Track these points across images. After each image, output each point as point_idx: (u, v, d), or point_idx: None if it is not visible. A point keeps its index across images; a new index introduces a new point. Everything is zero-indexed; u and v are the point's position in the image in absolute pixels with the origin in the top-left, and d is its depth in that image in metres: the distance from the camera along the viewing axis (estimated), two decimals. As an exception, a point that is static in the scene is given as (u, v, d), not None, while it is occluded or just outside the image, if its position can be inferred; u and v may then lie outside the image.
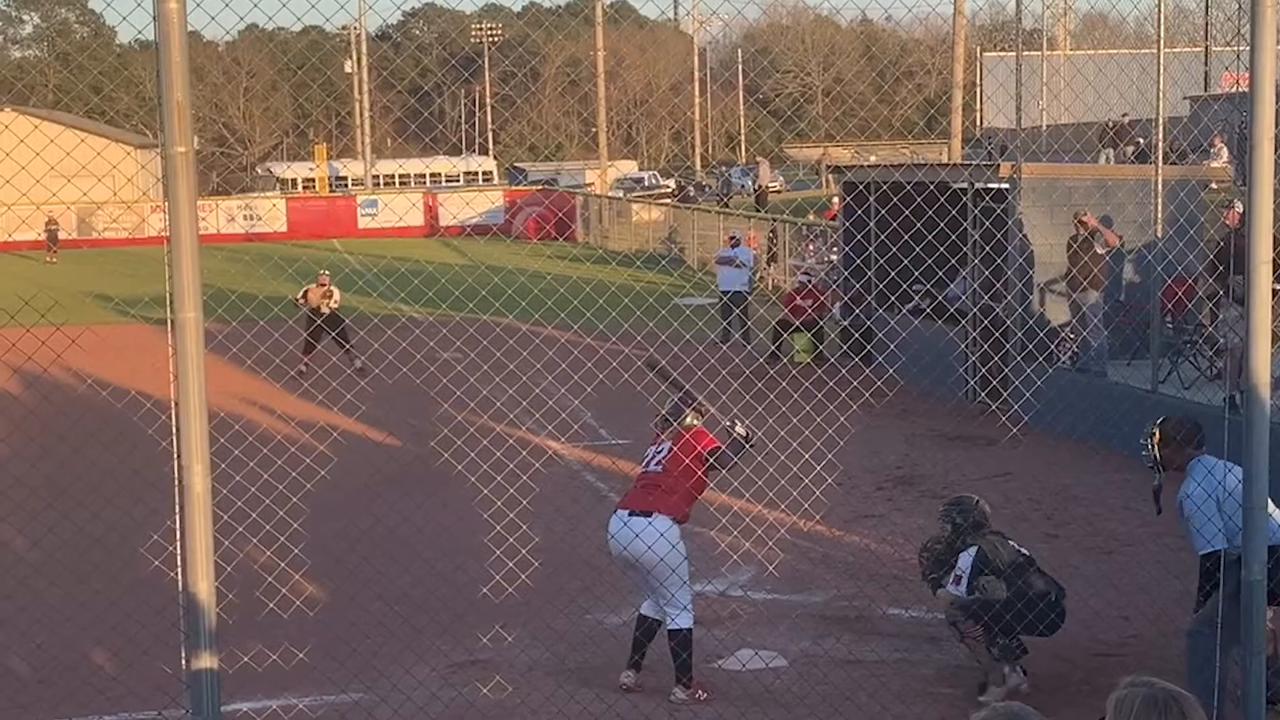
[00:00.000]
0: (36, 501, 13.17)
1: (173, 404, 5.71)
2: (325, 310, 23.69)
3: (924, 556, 9.84)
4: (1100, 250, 17.70)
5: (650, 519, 9.23)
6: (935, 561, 9.66)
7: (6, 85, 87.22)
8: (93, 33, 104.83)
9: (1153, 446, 8.66)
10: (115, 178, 58.55)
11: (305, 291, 23.93)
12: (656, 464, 9.53)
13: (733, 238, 28.58)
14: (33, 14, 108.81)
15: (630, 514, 9.32)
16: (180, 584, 5.81)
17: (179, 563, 5.82)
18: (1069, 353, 18.28)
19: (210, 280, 5.96)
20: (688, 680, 9.35)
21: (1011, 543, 9.51)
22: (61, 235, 50.58)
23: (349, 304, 24.89)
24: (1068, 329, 18.29)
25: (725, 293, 26.80)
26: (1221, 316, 16.84)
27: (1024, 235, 18.87)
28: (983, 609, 9.15)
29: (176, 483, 5.74)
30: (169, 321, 5.62)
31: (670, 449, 9.51)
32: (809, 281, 25.82)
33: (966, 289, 20.30)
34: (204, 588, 5.74)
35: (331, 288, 23.94)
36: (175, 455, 5.72)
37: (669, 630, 9.39)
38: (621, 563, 9.56)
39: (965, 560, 9.32)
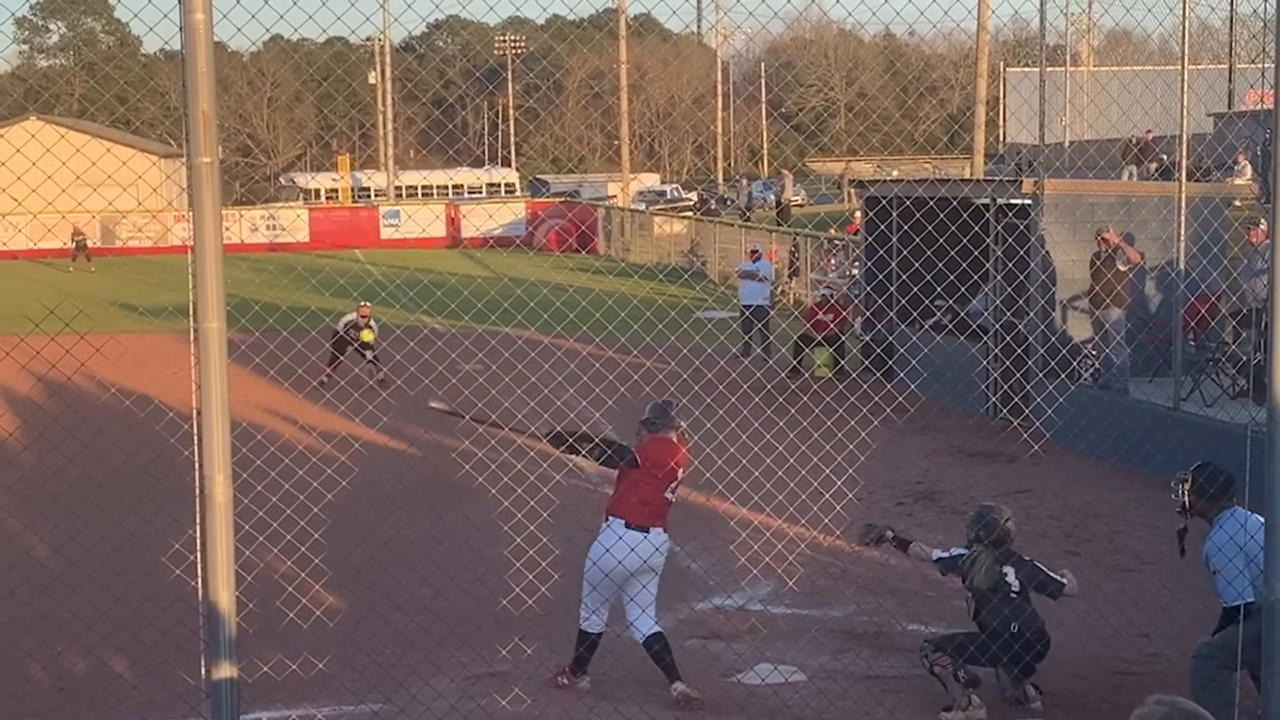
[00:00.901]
0: (59, 509, 13.22)
1: (195, 413, 5.73)
2: (359, 336, 23.94)
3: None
4: (1123, 267, 17.66)
5: (664, 532, 9.67)
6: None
7: (33, 94, 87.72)
8: (119, 42, 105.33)
9: (1183, 493, 8.63)
10: (140, 187, 58.96)
11: (349, 325, 24.09)
12: (672, 491, 9.68)
13: (754, 252, 28.57)
14: (59, 23, 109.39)
15: (661, 530, 9.59)
16: (201, 593, 5.82)
17: (200, 572, 5.84)
18: (1091, 369, 18.23)
19: (233, 290, 5.98)
20: (678, 673, 9.54)
21: (1010, 574, 9.47)
22: (87, 243, 50.78)
23: (372, 313, 24.90)
24: (1090, 346, 18.24)
25: (747, 307, 26.79)
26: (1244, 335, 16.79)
27: (1046, 252, 18.83)
28: (947, 642, 9.39)
29: (198, 492, 5.76)
30: (192, 331, 5.64)
31: (678, 478, 9.74)
32: (830, 295, 25.78)
33: (988, 305, 20.27)
34: (225, 597, 5.75)
35: (371, 322, 24.11)
36: (197, 465, 5.74)
37: (655, 634, 9.65)
38: (631, 575, 9.60)
39: (959, 551, 9.66)
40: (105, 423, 16.53)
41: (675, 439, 9.79)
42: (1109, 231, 17.82)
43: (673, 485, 9.67)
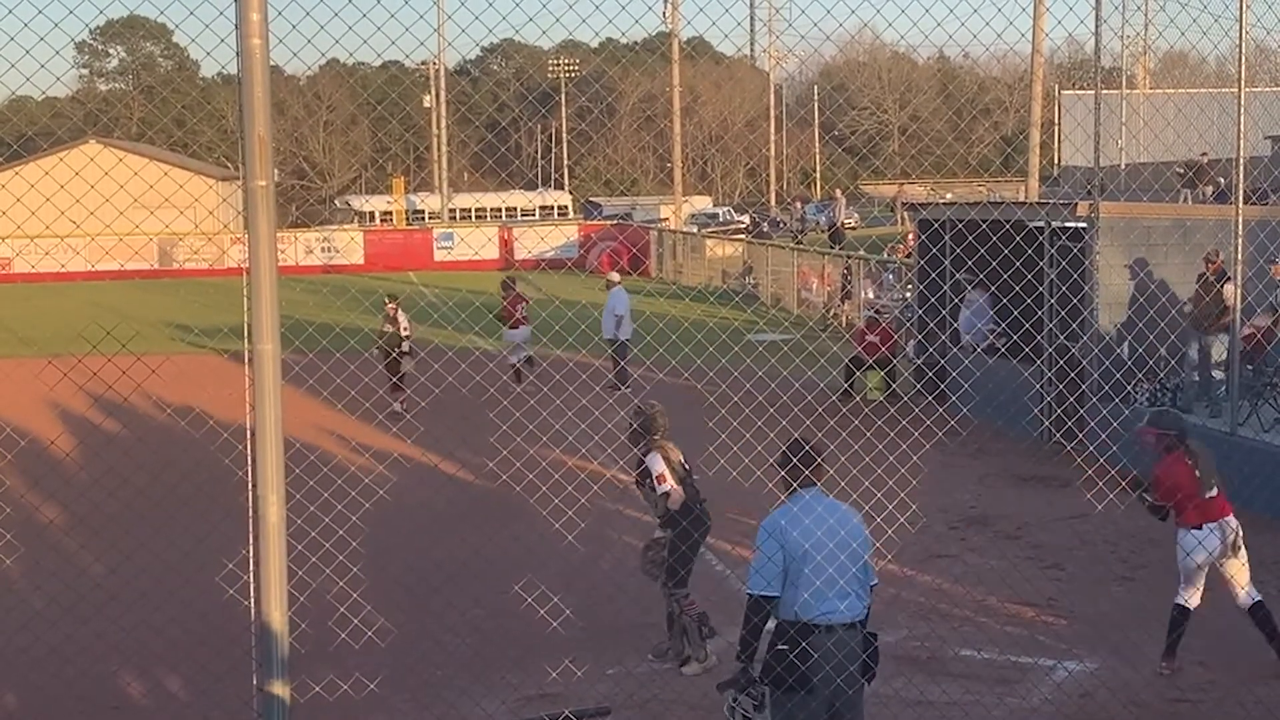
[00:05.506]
0: (115, 528, 13.33)
1: (249, 434, 5.77)
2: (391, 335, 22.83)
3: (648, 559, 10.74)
4: (1227, 299, 17.36)
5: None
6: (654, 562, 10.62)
7: (92, 118, 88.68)
8: (177, 66, 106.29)
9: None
10: (197, 210, 59.42)
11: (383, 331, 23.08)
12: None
13: (611, 281, 26.56)
14: (118, 47, 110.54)
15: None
16: (253, 613, 5.85)
17: (252, 591, 5.87)
18: (1147, 393, 18.09)
19: (288, 312, 6.02)
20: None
21: (679, 453, 10.57)
22: (143, 266, 51.05)
23: (425, 337, 24.76)
24: (1189, 369, 18.06)
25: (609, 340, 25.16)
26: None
27: (1100, 275, 18.69)
28: (671, 576, 10.32)
29: (252, 512, 5.80)
30: (246, 353, 5.68)
31: None
32: (877, 316, 25.53)
33: (965, 318, 20.26)
34: (277, 617, 5.78)
35: (399, 314, 22.96)
36: (251, 485, 5.78)
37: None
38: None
39: (654, 461, 10.40)
40: (161, 443, 16.67)
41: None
42: (1219, 258, 17.63)
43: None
